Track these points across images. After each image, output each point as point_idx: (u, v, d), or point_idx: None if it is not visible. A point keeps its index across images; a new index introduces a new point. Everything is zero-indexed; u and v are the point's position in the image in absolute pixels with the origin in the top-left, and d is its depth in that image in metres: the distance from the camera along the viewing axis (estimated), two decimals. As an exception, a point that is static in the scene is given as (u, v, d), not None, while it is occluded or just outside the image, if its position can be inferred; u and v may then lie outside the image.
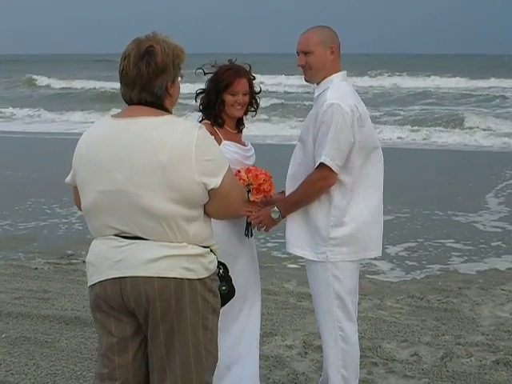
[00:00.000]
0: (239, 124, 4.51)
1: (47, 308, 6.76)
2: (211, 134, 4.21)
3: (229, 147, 4.30)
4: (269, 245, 9.35)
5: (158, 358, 3.17)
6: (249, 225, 4.40)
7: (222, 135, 4.32)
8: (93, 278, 3.23)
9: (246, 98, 4.39)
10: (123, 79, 3.13)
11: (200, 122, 4.36)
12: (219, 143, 4.26)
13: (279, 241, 9.21)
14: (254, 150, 4.50)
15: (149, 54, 3.08)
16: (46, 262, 8.60)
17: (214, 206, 3.18)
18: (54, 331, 6.12)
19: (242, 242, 4.42)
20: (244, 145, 4.46)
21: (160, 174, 3.03)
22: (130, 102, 3.17)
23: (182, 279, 3.09)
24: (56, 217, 11.41)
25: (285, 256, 8.70)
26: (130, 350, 3.22)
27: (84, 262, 8.68)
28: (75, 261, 8.69)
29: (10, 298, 7.08)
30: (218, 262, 3.34)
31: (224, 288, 3.35)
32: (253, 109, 4.49)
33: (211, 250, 3.25)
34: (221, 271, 3.35)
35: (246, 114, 4.50)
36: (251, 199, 4.27)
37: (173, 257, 3.09)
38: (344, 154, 4.03)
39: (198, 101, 4.45)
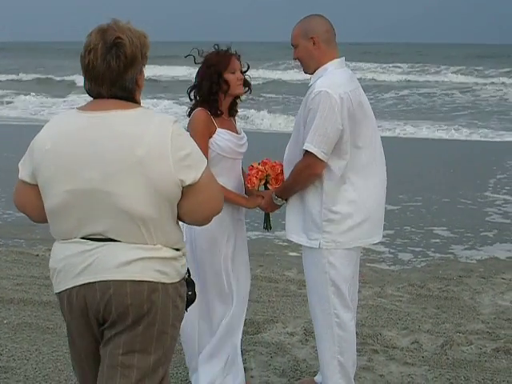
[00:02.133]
0: (232, 108, 4.49)
1: (49, 294, 6.76)
2: (207, 121, 4.24)
3: (223, 135, 4.30)
4: (269, 233, 9.32)
5: (113, 359, 2.94)
6: (268, 216, 4.45)
7: (217, 124, 4.32)
8: (59, 286, 3.01)
9: (242, 76, 4.39)
10: (89, 74, 2.91)
11: (190, 111, 4.32)
12: (214, 131, 4.27)
13: (280, 229, 9.21)
14: (246, 138, 4.50)
15: (117, 47, 2.86)
16: (48, 249, 8.59)
17: (188, 203, 2.96)
18: (56, 317, 6.13)
19: (238, 231, 4.46)
20: (237, 132, 4.45)
21: (137, 171, 2.83)
22: (97, 97, 2.96)
23: (156, 283, 2.91)
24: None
25: (286, 244, 8.71)
26: (91, 360, 3.07)
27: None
28: (76, 248, 8.68)
29: (11, 284, 7.09)
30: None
31: (190, 293, 3.16)
32: (247, 88, 4.47)
33: (183, 254, 3.09)
34: (187, 276, 3.15)
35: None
36: (270, 189, 4.33)
37: (147, 259, 2.90)
38: (331, 141, 4.00)
39: (192, 94, 4.38)
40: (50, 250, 8.81)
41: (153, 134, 2.86)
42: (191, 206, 2.97)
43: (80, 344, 3.05)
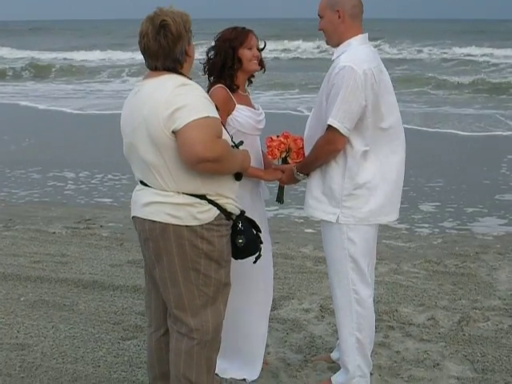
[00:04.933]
0: (249, 80, 4.46)
1: (65, 272, 6.81)
2: (226, 98, 4.20)
3: (243, 112, 4.27)
4: (285, 210, 9.34)
5: (160, 287, 3.71)
6: (282, 189, 4.43)
7: (236, 100, 4.28)
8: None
9: (258, 53, 4.35)
10: (147, 53, 3.55)
11: (208, 89, 4.24)
12: (233, 108, 4.23)
13: (296, 206, 9.22)
14: (264, 114, 4.47)
15: (163, 28, 3.48)
16: (64, 227, 8.65)
17: (178, 149, 3.42)
18: (73, 295, 6.17)
19: (256, 207, 4.41)
20: (255, 108, 4.42)
21: (144, 127, 3.48)
22: (154, 70, 3.58)
23: (167, 224, 3.52)
24: (74, 182, 11.48)
25: (302, 221, 8.69)
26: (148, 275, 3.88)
27: (101, 226, 8.78)
28: (93, 225, 8.74)
29: (28, 261, 7.14)
30: (242, 217, 3.72)
31: (241, 241, 3.70)
32: (260, 66, 4.43)
33: (212, 202, 3.56)
34: (239, 225, 3.69)
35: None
36: (291, 163, 4.31)
37: (159, 203, 3.54)
38: (355, 117, 3.98)
39: (206, 67, 4.32)
40: (66, 227, 8.93)
41: (156, 95, 3.46)
42: (178, 149, 3.42)
43: (144, 260, 3.84)
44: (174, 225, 3.51)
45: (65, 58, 40.16)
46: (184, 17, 3.55)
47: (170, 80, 3.50)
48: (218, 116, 3.52)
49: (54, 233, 8.37)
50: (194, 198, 3.53)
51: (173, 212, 3.51)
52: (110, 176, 11.82)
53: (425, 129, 16.44)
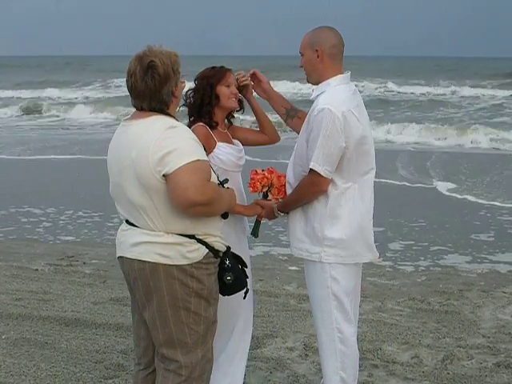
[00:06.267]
0: (228, 119, 4.51)
1: (47, 309, 6.75)
2: (207, 136, 4.23)
3: (224, 149, 4.31)
4: (269, 247, 9.34)
5: (150, 328, 3.70)
6: (258, 224, 4.43)
7: (216, 137, 4.31)
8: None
9: (237, 91, 4.40)
10: (133, 93, 3.57)
11: (190, 127, 4.24)
12: (214, 146, 4.26)
13: (280, 243, 9.22)
14: (243, 150, 4.50)
15: (151, 68, 3.50)
16: (47, 264, 8.59)
17: (168, 190, 3.44)
18: (54, 332, 6.11)
19: (241, 243, 4.42)
20: (234, 144, 4.45)
21: (132, 169, 3.49)
22: (140, 110, 3.60)
23: (157, 264, 3.53)
24: (56, 219, 11.43)
25: (286, 258, 8.67)
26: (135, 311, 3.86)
27: (84, 263, 8.73)
28: (75, 262, 8.68)
29: (10, 299, 7.07)
30: (229, 254, 3.75)
31: (229, 278, 3.72)
32: (239, 108, 4.49)
33: (201, 241, 3.59)
34: (227, 262, 3.72)
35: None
36: (271, 198, 4.33)
37: (149, 243, 3.55)
38: (335, 159, 4.01)
39: (185, 105, 4.35)
40: (49, 264, 8.86)
41: (145, 137, 3.48)
42: (169, 193, 3.45)
43: (131, 299, 3.85)
44: (163, 264, 3.53)
45: None
46: (173, 57, 3.58)
47: (157, 122, 3.51)
48: (206, 158, 3.58)
49: (37, 270, 8.31)
50: (183, 237, 3.55)
51: (162, 251, 3.53)
52: (80, 213, 11.78)
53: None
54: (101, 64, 74.19)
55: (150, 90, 3.51)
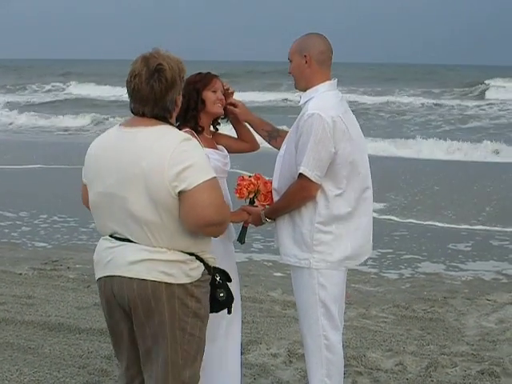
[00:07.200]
0: (214, 126, 4.50)
1: (31, 314, 6.71)
2: None
3: (211, 155, 4.27)
4: (254, 253, 9.33)
5: (146, 349, 3.42)
6: (245, 230, 4.41)
7: (202, 143, 4.30)
8: (95, 275, 3.52)
9: (223, 97, 4.40)
10: (135, 96, 3.35)
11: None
12: None
13: (265, 249, 9.22)
14: (228, 156, 4.49)
15: (159, 72, 3.30)
16: (31, 268, 8.55)
17: (182, 208, 3.25)
18: (38, 337, 6.08)
19: (227, 250, 4.40)
20: (219, 150, 4.45)
21: (141, 180, 3.24)
22: (141, 116, 3.38)
23: (160, 282, 3.29)
24: (40, 223, 11.38)
25: (270, 264, 8.66)
26: (124, 340, 3.51)
27: (68, 268, 8.68)
28: (60, 267, 8.64)
29: (-7, 303, 7.03)
30: (217, 269, 3.55)
31: (222, 295, 3.55)
32: (223, 115, 4.48)
33: (199, 258, 3.40)
34: (217, 279, 3.53)
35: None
36: (257, 204, 4.31)
37: (151, 261, 3.30)
38: (324, 165, 4.02)
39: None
40: (33, 268, 8.79)
41: (158, 148, 3.25)
42: (184, 210, 3.25)
43: (109, 323, 3.54)
44: (166, 283, 3.30)
45: None
46: (180, 65, 3.40)
47: (169, 132, 3.35)
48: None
49: (21, 274, 8.26)
50: (185, 254, 3.36)
51: (166, 269, 3.30)
52: (56, 218, 11.74)
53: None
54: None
55: (154, 94, 3.30)
